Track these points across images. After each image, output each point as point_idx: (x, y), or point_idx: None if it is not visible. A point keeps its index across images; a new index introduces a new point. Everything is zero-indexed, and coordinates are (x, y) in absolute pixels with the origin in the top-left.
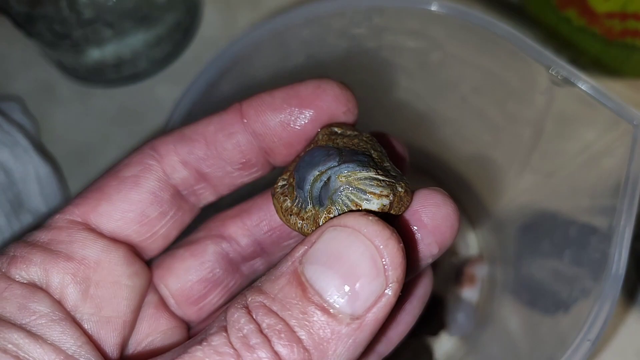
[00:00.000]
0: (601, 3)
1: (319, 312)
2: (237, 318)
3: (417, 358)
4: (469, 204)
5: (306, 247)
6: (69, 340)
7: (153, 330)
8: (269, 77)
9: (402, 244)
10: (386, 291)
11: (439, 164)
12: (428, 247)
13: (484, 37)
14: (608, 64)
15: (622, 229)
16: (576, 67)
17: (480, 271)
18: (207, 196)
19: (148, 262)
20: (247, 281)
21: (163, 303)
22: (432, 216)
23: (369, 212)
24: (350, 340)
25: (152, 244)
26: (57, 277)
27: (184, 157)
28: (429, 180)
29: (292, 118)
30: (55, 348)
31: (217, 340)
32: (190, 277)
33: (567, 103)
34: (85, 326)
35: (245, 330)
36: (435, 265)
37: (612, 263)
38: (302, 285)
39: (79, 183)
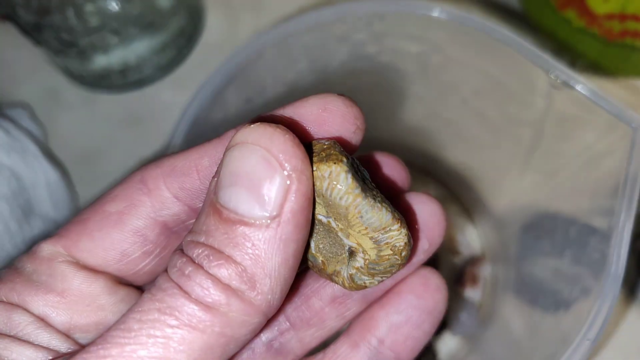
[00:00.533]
0: (600, 4)
1: (239, 227)
2: (172, 258)
3: (420, 357)
4: (471, 205)
5: (216, 178)
6: (57, 344)
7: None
8: (274, 83)
9: (289, 134)
10: (290, 181)
11: (441, 165)
12: (419, 243)
13: (484, 41)
14: (607, 65)
15: (621, 229)
16: (575, 70)
17: (482, 271)
18: None
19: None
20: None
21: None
22: (419, 213)
23: None
24: (277, 239)
25: (137, 280)
26: (37, 310)
27: (175, 192)
28: (432, 181)
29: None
30: (49, 350)
31: (160, 280)
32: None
33: (567, 106)
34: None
35: (178, 264)
36: (437, 264)
37: (612, 263)
38: (218, 211)
39: (87, 187)
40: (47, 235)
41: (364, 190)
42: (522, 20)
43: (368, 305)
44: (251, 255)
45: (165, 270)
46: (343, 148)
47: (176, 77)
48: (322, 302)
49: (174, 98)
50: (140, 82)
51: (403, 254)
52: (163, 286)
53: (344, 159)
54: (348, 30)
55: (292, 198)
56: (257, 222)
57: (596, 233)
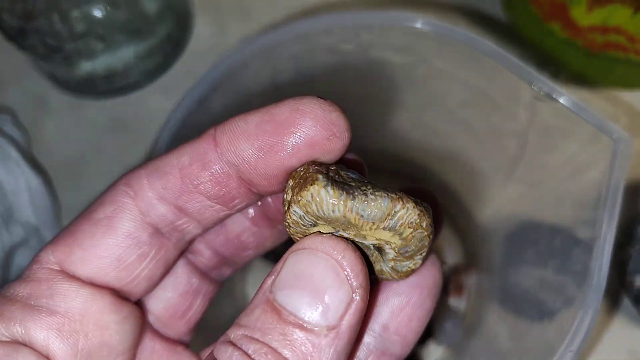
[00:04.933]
0: (583, 17)
1: (297, 330)
2: (224, 351)
3: None
4: (457, 214)
5: (273, 276)
6: None
7: None
8: (260, 91)
9: (358, 252)
10: (354, 296)
11: (427, 174)
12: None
13: (469, 53)
14: (591, 76)
15: (602, 240)
16: (558, 82)
17: (467, 280)
18: (192, 229)
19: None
20: (219, 285)
21: (155, 332)
22: None
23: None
24: (332, 350)
25: (136, 287)
26: (41, 334)
27: (159, 192)
28: None
29: (267, 148)
30: None
31: None
32: (169, 294)
33: (550, 117)
34: None
35: (234, 358)
36: None
37: (593, 274)
38: (277, 310)
39: (70, 194)
40: (25, 243)
41: (350, 192)
42: (508, 32)
43: None
44: None
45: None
46: (319, 163)
47: (163, 83)
48: None
49: (160, 104)
50: (126, 88)
51: (424, 224)
52: None
53: (319, 176)
54: (335, 41)
55: (352, 312)
56: (316, 329)
57: (579, 243)
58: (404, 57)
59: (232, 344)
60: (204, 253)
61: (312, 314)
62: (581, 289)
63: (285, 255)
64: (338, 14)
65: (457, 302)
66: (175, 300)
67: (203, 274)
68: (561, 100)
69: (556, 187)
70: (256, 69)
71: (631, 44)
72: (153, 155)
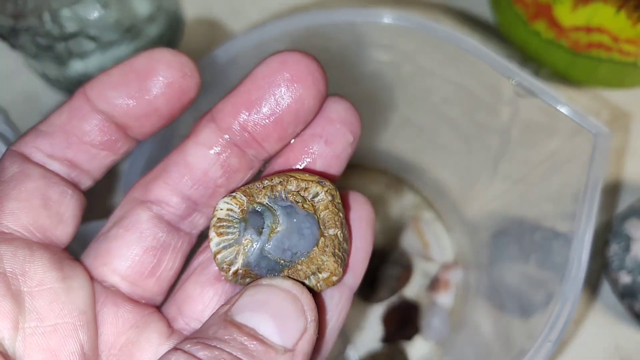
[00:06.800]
0: (567, 16)
1: (256, 343)
2: (172, 355)
3: None
4: (444, 210)
5: (229, 305)
6: None
7: (121, 328)
8: None
9: (311, 295)
10: (307, 326)
11: (415, 171)
12: (345, 136)
13: (452, 51)
14: (576, 76)
15: (581, 233)
16: (540, 79)
17: (454, 277)
18: (85, 181)
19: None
20: (193, 238)
21: (121, 296)
22: (336, 111)
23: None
24: None
25: (66, 227)
26: None
27: (48, 150)
28: (406, 187)
29: (134, 93)
30: None
31: None
32: (135, 252)
33: (533, 113)
34: (34, 341)
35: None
36: (411, 270)
37: (572, 267)
38: (236, 325)
39: None
40: None
41: (230, 245)
42: (495, 34)
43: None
44: None
45: None
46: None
47: None
48: None
49: None
50: None
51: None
52: None
53: (210, 236)
54: (319, 38)
55: (305, 340)
56: (275, 346)
57: (560, 238)
58: (388, 55)
59: (186, 352)
60: (170, 201)
61: (272, 334)
62: (561, 282)
63: (241, 290)
64: (321, 10)
65: (444, 299)
66: (141, 256)
67: (172, 226)
68: (541, 96)
69: (538, 182)
70: (241, 67)
71: (615, 43)
72: (136, 155)
